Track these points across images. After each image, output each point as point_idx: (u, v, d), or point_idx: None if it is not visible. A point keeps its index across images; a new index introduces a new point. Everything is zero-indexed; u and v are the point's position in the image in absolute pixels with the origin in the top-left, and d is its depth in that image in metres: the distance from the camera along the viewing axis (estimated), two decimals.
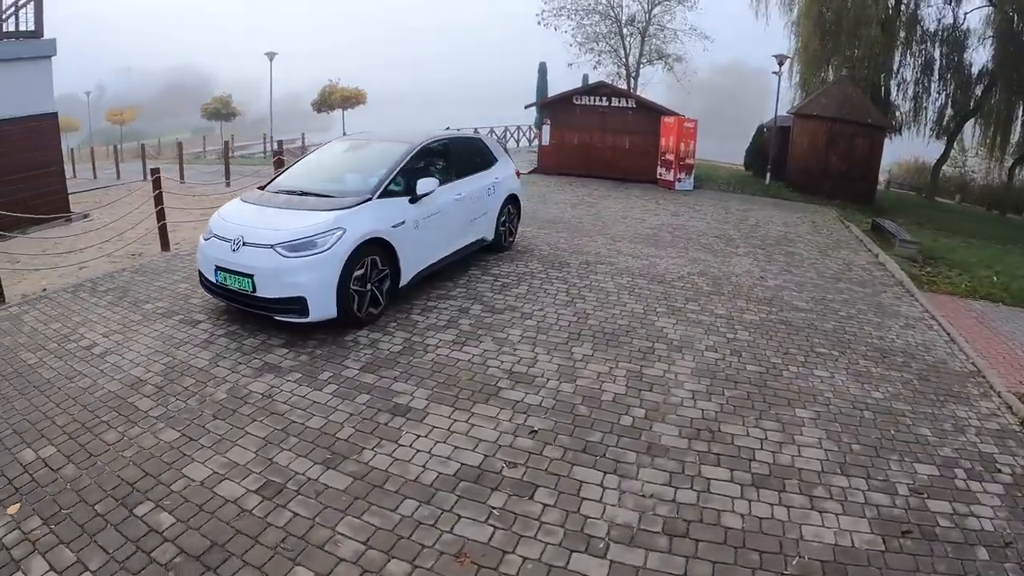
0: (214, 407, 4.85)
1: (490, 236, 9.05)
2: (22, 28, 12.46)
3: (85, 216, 13.41)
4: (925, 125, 25.29)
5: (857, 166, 18.52)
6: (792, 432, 4.75)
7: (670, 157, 17.17)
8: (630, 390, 5.29)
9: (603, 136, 18.63)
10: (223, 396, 5.01)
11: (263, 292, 5.85)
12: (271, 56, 27.32)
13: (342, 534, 3.54)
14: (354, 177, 7.07)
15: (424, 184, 6.88)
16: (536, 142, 21.15)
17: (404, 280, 6.77)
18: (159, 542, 3.47)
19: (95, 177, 24.16)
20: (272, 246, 5.82)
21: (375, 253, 6.22)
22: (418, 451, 4.31)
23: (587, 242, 10.34)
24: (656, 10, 24.26)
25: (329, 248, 5.77)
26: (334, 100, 24.02)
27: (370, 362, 5.60)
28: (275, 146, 14.69)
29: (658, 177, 17.67)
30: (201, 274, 6.64)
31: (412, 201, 6.83)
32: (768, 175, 19.32)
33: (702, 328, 6.72)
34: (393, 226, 6.42)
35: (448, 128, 10.97)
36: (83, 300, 7.49)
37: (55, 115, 13.35)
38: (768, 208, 15.57)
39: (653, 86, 25.01)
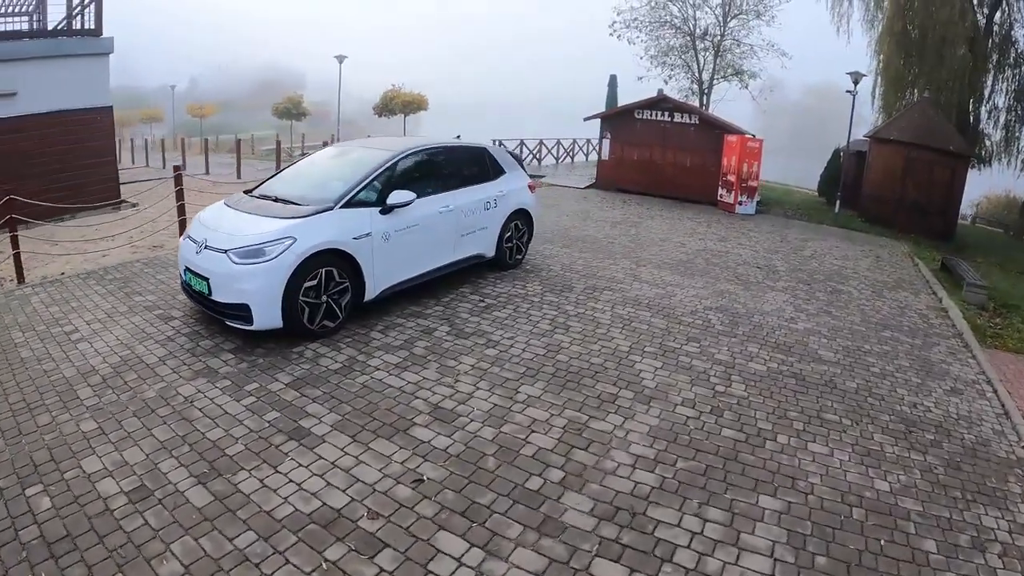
0: (138, 405, 4.77)
1: (490, 252, 8.28)
2: (79, 27, 12.91)
3: (134, 205, 13.72)
4: (1017, 156, 22.13)
5: (935, 197, 16.28)
6: (740, 529, 3.62)
7: (731, 178, 15.71)
8: (560, 445, 4.35)
9: (664, 152, 17.37)
10: (152, 395, 4.92)
11: (216, 296, 5.71)
12: (340, 59, 27.68)
13: (173, 553, 3.29)
14: (331, 185, 6.60)
15: (397, 195, 6.40)
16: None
17: (371, 294, 6.35)
18: (30, 522, 3.51)
19: (163, 167, 25.25)
20: (226, 251, 5.66)
21: (332, 264, 5.87)
22: (290, 481, 3.88)
23: (607, 265, 9.32)
24: (732, 23, 22.66)
25: (276, 257, 5.51)
26: (395, 105, 23.87)
27: (301, 378, 5.19)
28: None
29: (718, 199, 16.23)
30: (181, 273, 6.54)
31: (383, 212, 6.35)
32: (837, 203, 17.36)
33: (689, 376, 5.61)
34: (355, 238, 6.03)
35: (458, 137, 10.28)
36: (88, 287, 7.64)
37: (110, 108, 13.80)
38: (831, 239, 13.86)
39: (727, 104, 23.29)
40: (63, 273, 8.98)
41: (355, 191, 6.30)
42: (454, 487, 3.85)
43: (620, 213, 14.36)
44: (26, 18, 12.79)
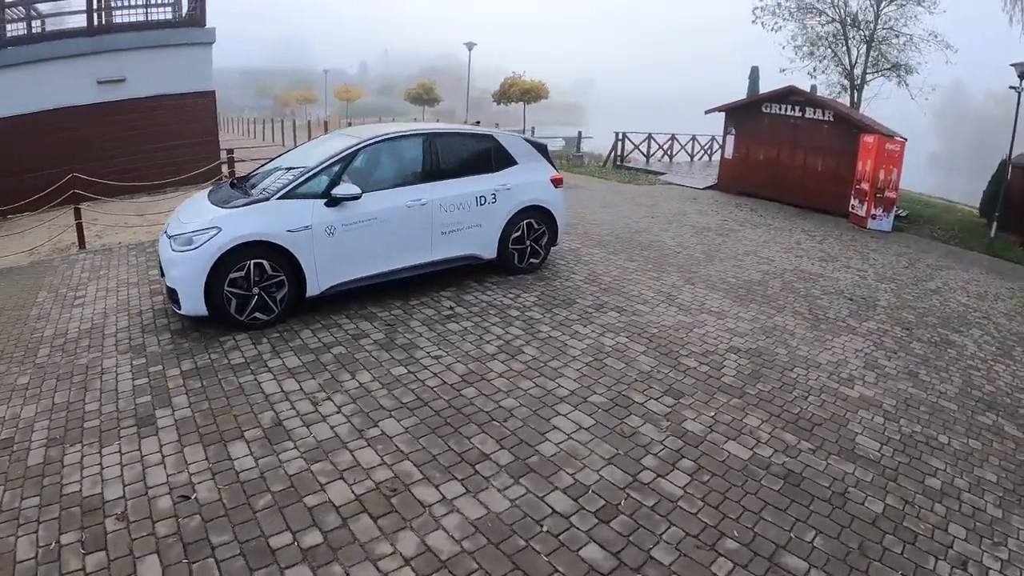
0: (66, 368, 4.93)
1: (488, 253, 6.93)
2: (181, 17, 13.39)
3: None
4: None
5: None
6: None
7: (865, 186, 12.41)
8: (353, 505, 3.21)
9: (792, 153, 14.35)
10: (82, 362, 5.03)
11: (165, 280, 5.65)
12: (470, 46, 26.90)
13: None
14: (288, 175, 6.00)
15: (342, 188, 5.69)
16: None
17: (314, 290, 5.70)
18: None
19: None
20: (171, 238, 5.53)
21: (264, 256, 5.39)
22: (99, 464, 3.66)
23: (645, 280, 7.40)
24: (888, 8, 18.15)
25: (199, 247, 5.23)
26: (513, 93, 22.50)
27: (199, 367, 4.83)
28: None
29: (850, 210, 13.01)
30: None
31: (329, 205, 5.67)
32: (994, 226, 12.74)
33: (612, 448, 3.83)
34: (291, 230, 5.46)
35: (475, 124, 8.84)
36: (124, 258, 7.95)
37: (212, 93, 14.37)
38: (974, 269, 10.33)
39: (881, 102, 18.65)
40: (120, 243, 9.14)
41: (296, 182, 5.70)
42: (208, 516, 3.19)
43: (718, 219, 11.96)
44: (141, 10, 13.55)
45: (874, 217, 12.28)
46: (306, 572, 2.79)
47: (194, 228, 5.39)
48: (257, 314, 5.45)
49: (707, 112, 16.18)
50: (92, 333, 5.64)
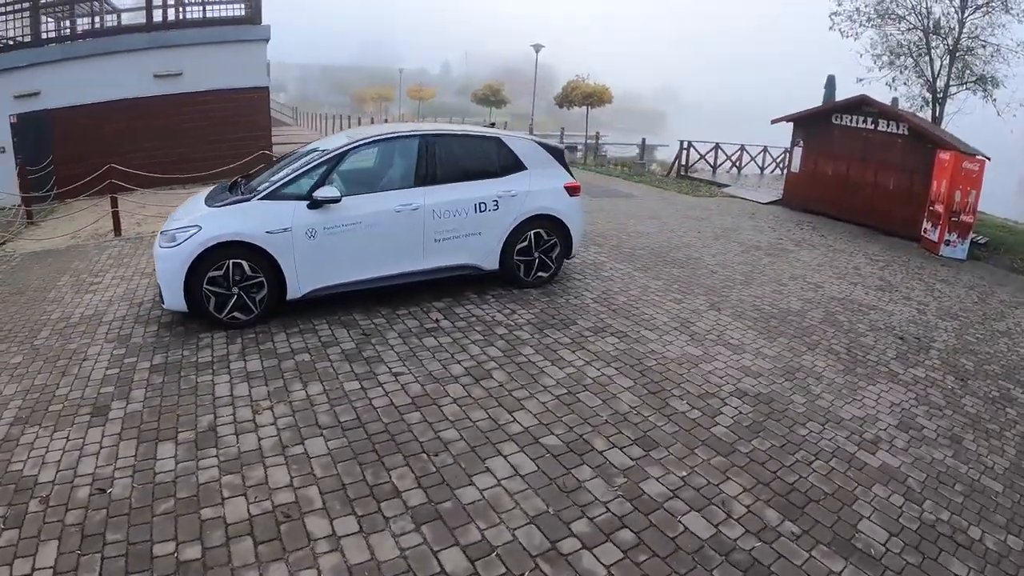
0: (57, 352, 5.04)
1: (488, 264, 6.44)
2: (237, 14, 13.57)
3: None
4: None
5: None
6: None
7: (939, 208, 10.90)
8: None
9: (863, 169, 12.90)
10: (73, 347, 5.14)
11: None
12: (537, 48, 26.10)
13: None
14: (279, 175, 5.82)
15: (323, 190, 5.46)
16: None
17: (295, 293, 5.51)
18: None
19: None
20: (161, 234, 5.56)
21: (243, 257, 5.27)
22: (48, 448, 3.69)
23: (664, 302, 6.64)
24: (973, 16, 15.77)
25: (180, 244, 5.20)
26: (575, 97, 21.54)
27: (170, 362, 4.78)
28: None
29: (922, 234, 11.51)
30: None
31: (311, 207, 5.45)
32: None
33: (535, 504, 3.19)
34: (269, 232, 5.30)
35: (490, 125, 8.27)
36: (149, 247, 7.93)
37: (266, 88, 14.57)
38: None
39: (965, 117, 16.33)
40: (153, 232, 9.28)
41: (281, 183, 5.55)
42: (113, 512, 3.12)
43: (773, 237, 10.86)
44: (199, 7, 13.86)
45: (947, 243, 10.78)
46: None
47: (178, 225, 5.39)
48: (236, 313, 5.35)
49: (773, 122, 14.88)
50: (91, 320, 5.74)
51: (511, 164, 6.53)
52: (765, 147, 21.30)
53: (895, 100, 16.91)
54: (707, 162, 20.79)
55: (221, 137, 13.44)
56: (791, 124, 14.61)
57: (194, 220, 5.35)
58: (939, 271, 9.79)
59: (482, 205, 6.21)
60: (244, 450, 3.61)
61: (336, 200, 5.44)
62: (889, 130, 12.31)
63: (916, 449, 4.25)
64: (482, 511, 3.18)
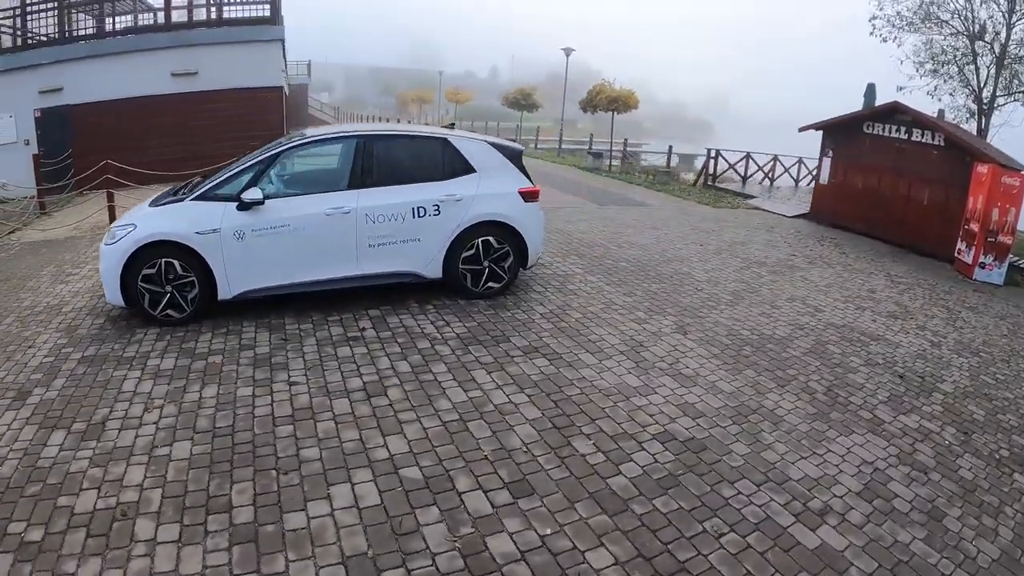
0: (10, 339, 5.09)
1: (431, 273, 5.85)
2: (257, 15, 13.33)
3: None
4: None
5: None
6: None
7: (974, 227, 9.49)
8: None
9: (895, 181, 11.49)
10: (28, 334, 5.20)
11: None
12: (568, 52, 25.11)
13: None
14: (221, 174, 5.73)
15: (249, 192, 5.22)
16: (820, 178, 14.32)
17: (226, 294, 5.33)
18: None
19: None
20: (107, 232, 5.55)
21: (174, 256, 5.17)
22: None
23: (627, 322, 5.79)
24: (1021, 23, 13.62)
25: (118, 241, 5.18)
26: (600, 101, 20.44)
27: (97, 356, 4.76)
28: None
29: (956, 255, 10.07)
30: None
31: (241, 208, 5.23)
32: None
33: (356, 543, 2.61)
34: (199, 232, 5.16)
35: (449, 125, 7.55)
36: None
37: (280, 88, 14.21)
38: None
39: (1013, 130, 14.45)
40: None
41: (214, 183, 5.41)
42: None
43: (785, 253, 9.71)
44: (215, 7, 13.71)
45: (982, 266, 9.36)
46: (7, 562, 2.70)
47: (118, 223, 5.44)
48: (170, 311, 5.25)
49: (801, 130, 13.61)
50: (53, 309, 5.79)
51: (458, 166, 5.90)
52: (800, 158, 19.77)
53: (940, 112, 15.24)
54: (736, 172, 19.45)
55: (234, 135, 13.21)
56: (820, 133, 13.32)
57: (132, 219, 5.38)
58: (968, 297, 8.46)
59: (421, 210, 5.67)
60: (119, 446, 3.57)
61: (259, 202, 5.20)
62: (924, 140, 10.88)
63: (876, 527, 3.27)
64: (299, 541, 2.83)
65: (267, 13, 13.88)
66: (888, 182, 11.64)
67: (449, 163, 5.89)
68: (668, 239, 9.80)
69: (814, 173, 20.41)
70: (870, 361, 5.58)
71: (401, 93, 69.92)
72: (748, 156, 19.37)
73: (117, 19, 14.79)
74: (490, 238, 5.92)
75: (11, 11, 13.07)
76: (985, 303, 8.26)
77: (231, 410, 3.95)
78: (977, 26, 14.48)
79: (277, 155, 5.48)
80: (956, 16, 14.80)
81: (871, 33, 15.77)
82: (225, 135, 13.81)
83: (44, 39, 13.44)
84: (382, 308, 5.72)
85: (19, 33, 13.41)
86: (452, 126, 7.21)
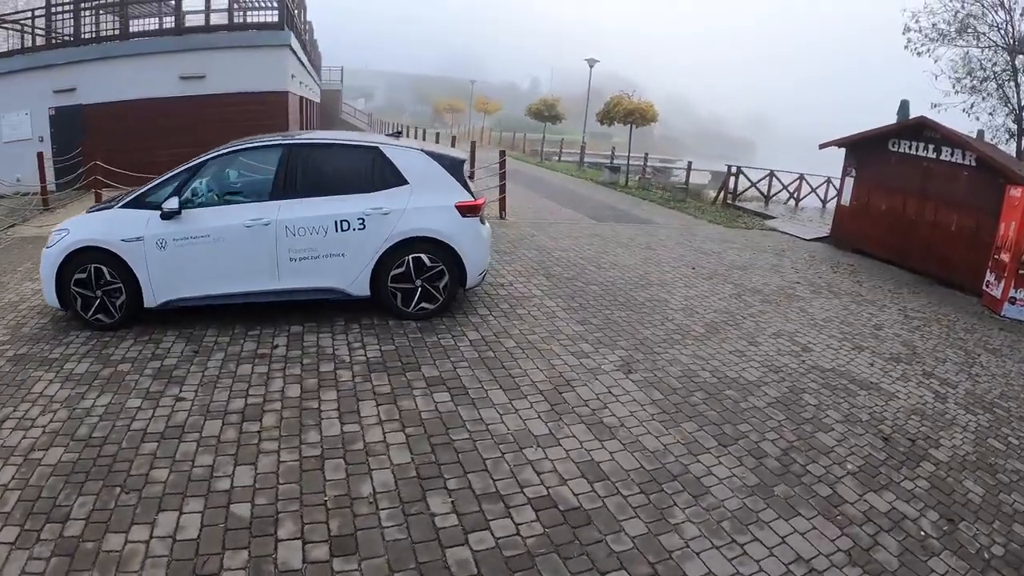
0: None
1: (357, 290, 5.35)
2: (266, 20, 13.10)
3: None
4: None
5: None
6: None
7: (1005, 258, 8.18)
8: None
9: (921, 204, 10.24)
10: None
11: None
12: (591, 63, 24.16)
13: None
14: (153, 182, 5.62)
15: (168, 201, 5.06)
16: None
17: (150, 302, 5.16)
18: None
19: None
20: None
21: (102, 262, 5.05)
22: None
23: (566, 355, 4.99)
24: None
25: (53, 246, 5.16)
26: (617, 113, 19.45)
27: (24, 355, 4.70)
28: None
29: (984, 288, 8.77)
30: None
31: (164, 217, 5.05)
32: None
33: None
34: (124, 240, 5.03)
35: (395, 134, 6.94)
36: None
37: (286, 93, 13.96)
38: None
39: None
40: None
41: (143, 191, 5.27)
42: None
43: (788, 281, 8.65)
44: (222, 14, 13.57)
45: (1012, 301, 8.04)
46: None
47: (56, 228, 5.37)
48: (100, 316, 5.14)
49: (822, 146, 12.45)
50: (10, 306, 5.80)
51: (389, 178, 5.35)
52: (828, 178, 18.38)
53: (980, 133, 13.78)
54: (759, 191, 18.24)
55: (240, 138, 13.13)
56: (843, 150, 12.14)
57: (67, 224, 5.35)
58: (992, 337, 7.23)
59: (344, 223, 5.20)
60: (5, 445, 3.49)
61: (175, 211, 5.01)
62: (953, 160, 9.61)
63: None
64: (108, 564, 2.66)
65: (275, 19, 13.69)
66: (914, 205, 10.39)
67: (380, 174, 5.35)
68: (657, 260, 8.89)
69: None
70: (851, 417, 4.60)
71: (437, 102, 69.96)
72: (772, 174, 18.15)
73: (142, 21, 14.86)
74: (422, 255, 5.29)
75: (30, 12, 13.23)
76: (1011, 345, 7.03)
77: (112, 421, 3.79)
78: (1017, 39, 13.03)
79: (203, 164, 5.25)
80: (995, 29, 13.37)
81: (905, 47, 14.43)
82: (231, 137, 13.64)
83: (59, 40, 13.52)
84: (307, 324, 5.30)
85: (40, 32, 13.55)
86: (398, 135, 6.62)
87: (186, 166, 5.25)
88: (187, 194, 5.15)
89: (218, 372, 4.45)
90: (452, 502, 3.03)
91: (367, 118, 49.40)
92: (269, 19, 13.92)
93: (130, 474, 3.26)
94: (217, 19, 14.03)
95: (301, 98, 19.18)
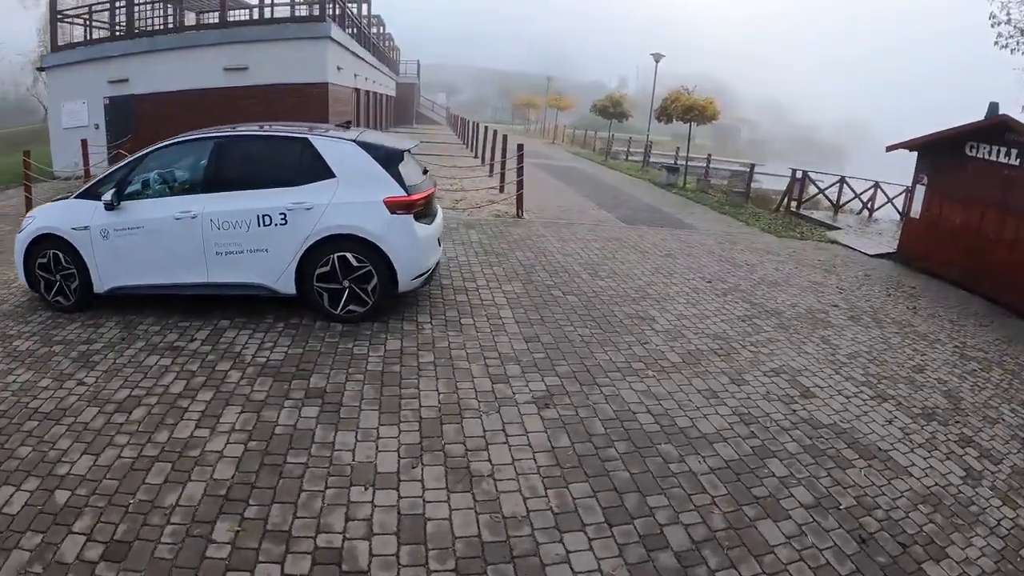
0: None
1: (283, 288, 5.04)
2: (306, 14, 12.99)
3: None
4: None
5: None
6: None
7: None
8: None
9: (1000, 219, 8.37)
10: None
11: None
12: (657, 58, 22.48)
13: None
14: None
15: (106, 193, 5.13)
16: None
17: (99, 288, 5.28)
18: None
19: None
20: None
21: (59, 248, 5.24)
22: None
23: (479, 375, 4.18)
24: None
25: (21, 231, 5.42)
26: (674, 110, 17.77)
27: None
28: None
29: None
30: None
31: (107, 208, 5.12)
32: None
33: None
34: (74, 228, 5.19)
35: (345, 124, 6.34)
36: None
37: (326, 84, 13.92)
38: None
39: None
40: None
41: (95, 182, 5.44)
42: None
43: (822, 303, 7.21)
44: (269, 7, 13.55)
45: None
46: None
47: (28, 214, 5.61)
48: (59, 298, 5.34)
49: (888, 149, 10.62)
50: (3, 284, 6.03)
51: (316, 171, 4.94)
52: (907, 187, 15.97)
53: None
54: (827, 199, 16.19)
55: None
56: (915, 154, 10.29)
57: (34, 211, 5.63)
58: None
59: (266, 218, 4.94)
60: None
61: (110, 203, 5.06)
62: None
63: None
64: None
65: (316, 12, 13.61)
66: (992, 219, 8.54)
67: (307, 167, 4.96)
68: (669, 271, 7.75)
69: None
70: (825, 501, 3.41)
71: (514, 97, 69.41)
72: (843, 180, 16.07)
73: (201, 14, 15.21)
74: (348, 255, 4.84)
75: (87, 8, 13.83)
76: None
77: (20, 398, 3.90)
78: None
79: (144, 156, 5.29)
80: None
81: (995, 42, 12.15)
82: None
83: (119, 33, 14.02)
84: (236, 319, 5.16)
85: (98, 25, 14.11)
86: (348, 125, 6.04)
87: (130, 159, 5.33)
88: (137, 185, 5.19)
89: (127, 361, 4.44)
90: (236, 532, 2.63)
91: (445, 112, 49.62)
92: (311, 12, 13.89)
93: (1, 447, 3.37)
94: (258, 13, 14.12)
95: (356, 90, 19.11)
